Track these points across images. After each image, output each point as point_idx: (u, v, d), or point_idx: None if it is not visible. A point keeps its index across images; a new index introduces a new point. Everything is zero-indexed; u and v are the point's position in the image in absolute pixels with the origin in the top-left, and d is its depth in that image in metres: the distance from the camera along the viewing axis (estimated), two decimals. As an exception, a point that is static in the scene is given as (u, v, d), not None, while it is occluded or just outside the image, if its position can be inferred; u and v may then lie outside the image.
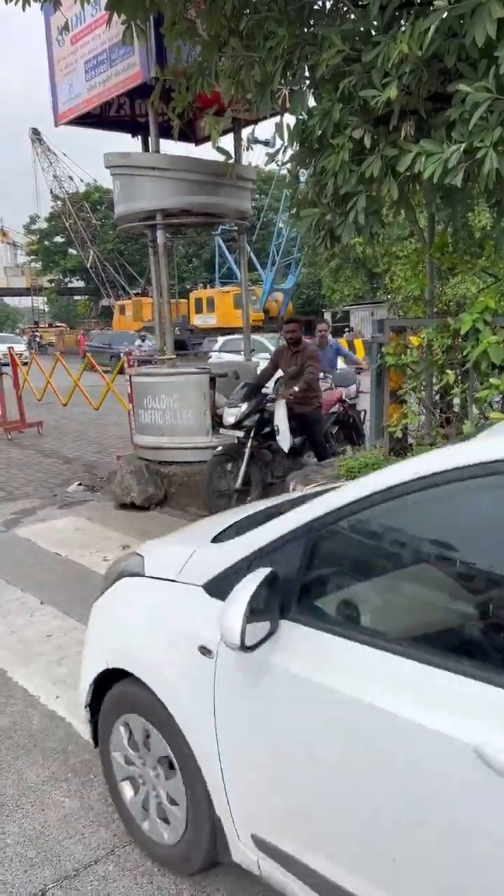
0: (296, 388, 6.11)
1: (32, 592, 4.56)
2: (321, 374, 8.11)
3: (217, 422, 6.51)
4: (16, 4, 4.47)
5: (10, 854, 2.35)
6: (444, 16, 3.02)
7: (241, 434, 6.07)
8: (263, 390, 6.39)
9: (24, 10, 4.55)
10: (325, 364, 8.39)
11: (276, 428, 6.10)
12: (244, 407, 6.06)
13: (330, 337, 8.94)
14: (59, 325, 51.96)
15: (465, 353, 4.16)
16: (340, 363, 8.88)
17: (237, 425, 6.06)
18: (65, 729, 3.04)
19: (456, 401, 4.73)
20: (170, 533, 2.88)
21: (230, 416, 6.10)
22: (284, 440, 6.06)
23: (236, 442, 6.14)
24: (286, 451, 6.17)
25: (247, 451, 6.06)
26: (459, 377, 4.41)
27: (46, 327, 48.67)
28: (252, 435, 6.08)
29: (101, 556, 5.22)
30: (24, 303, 62.69)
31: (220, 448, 6.27)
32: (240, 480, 6.03)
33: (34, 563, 5.14)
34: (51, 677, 3.46)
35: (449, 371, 4.36)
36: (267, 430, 6.22)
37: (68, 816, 2.52)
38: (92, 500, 7.02)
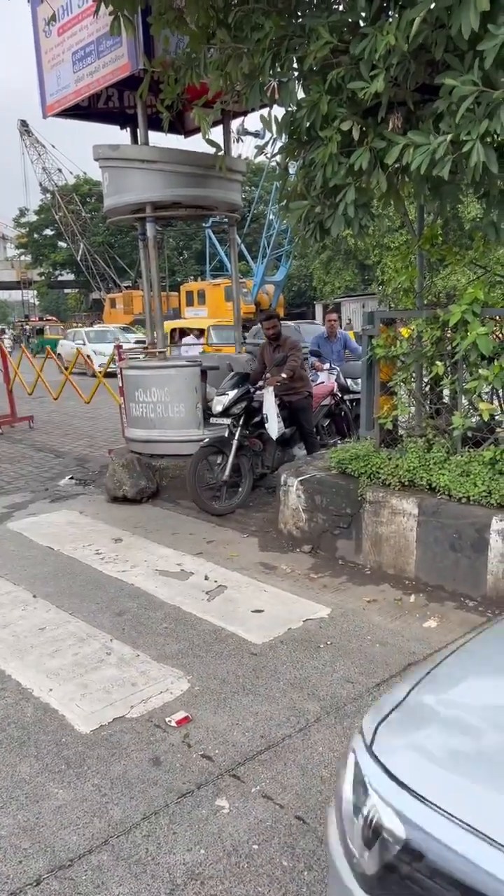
0: (283, 375, 6.09)
1: (25, 586, 4.57)
2: (327, 365, 8.13)
3: (208, 413, 6.50)
4: (2, -5, 4.44)
5: (4, 845, 2.36)
6: (432, 7, 3.03)
7: (229, 422, 6.03)
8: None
9: (8, 0, 4.52)
10: (333, 356, 8.39)
11: (264, 416, 6.07)
12: (232, 394, 6.03)
13: (340, 329, 8.87)
14: (50, 318, 51.70)
15: (454, 345, 4.18)
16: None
17: (225, 412, 6.02)
18: (58, 721, 3.06)
19: (446, 392, 4.76)
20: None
21: (218, 405, 6.07)
22: (273, 428, 6.03)
23: (226, 433, 6.11)
24: (275, 440, 6.16)
25: (235, 440, 6.01)
26: (449, 368, 4.44)
27: (37, 320, 48.43)
28: (241, 424, 6.04)
29: (93, 549, 5.23)
30: (15, 296, 62.33)
31: (206, 440, 6.22)
32: (227, 471, 5.99)
33: (27, 556, 5.15)
34: (44, 670, 3.48)
35: (438, 363, 4.39)
36: (256, 419, 6.20)
37: (62, 807, 2.53)
38: (84, 493, 7.02)
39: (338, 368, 8.01)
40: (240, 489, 6.12)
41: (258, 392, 6.24)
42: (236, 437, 6.02)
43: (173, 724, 2.98)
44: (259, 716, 3.03)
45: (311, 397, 6.66)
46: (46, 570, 4.87)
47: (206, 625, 3.92)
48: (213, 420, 6.22)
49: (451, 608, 4.01)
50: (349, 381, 7.74)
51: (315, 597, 4.24)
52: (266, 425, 6.08)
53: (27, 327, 41.87)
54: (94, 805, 2.54)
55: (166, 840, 2.35)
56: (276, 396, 6.12)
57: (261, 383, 6.29)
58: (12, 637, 3.86)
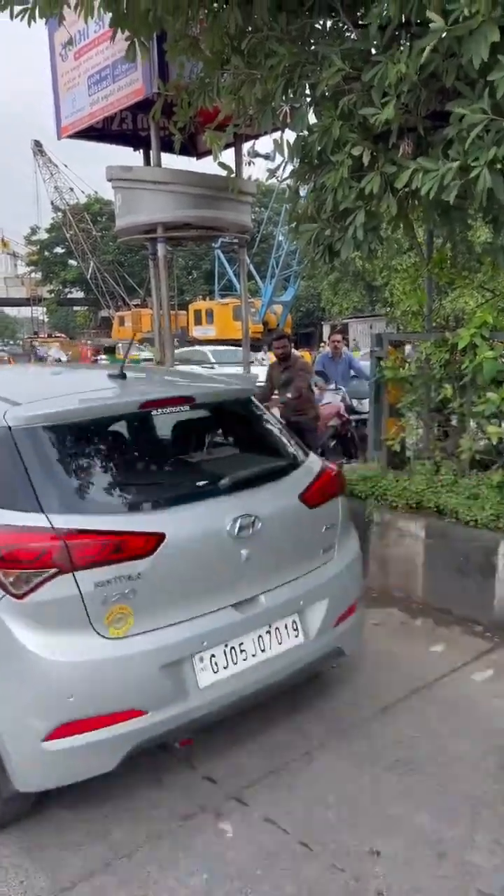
0: (288, 395, 6.08)
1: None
2: (332, 385, 8.16)
3: None
4: (21, 19, 4.52)
5: (6, 865, 2.34)
6: (443, 36, 3.07)
7: None
8: None
9: (29, 26, 4.61)
10: (338, 376, 8.38)
11: None
12: None
13: (345, 349, 8.89)
14: (59, 335, 52.05)
15: (462, 368, 4.19)
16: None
17: None
18: (61, 740, 3.04)
19: (454, 415, 4.76)
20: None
21: None
22: None
23: None
24: None
25: None
26: (457, 391, 4.45)
27: (45, 337, 48.75)
28: None
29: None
30: (24, 313, 62.81)
31: None
32: None
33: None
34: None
35: (447, 385, 4.40)
36: None
37: (65, 829, 2.51)
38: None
39: (343, 389, 8.03)
40: None
41: None
42: None
43: (177, 744, 2.95)
44: (263, 739, 3.00)
45: (318, 419, 6.66)
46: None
47: (211, 645, 3.89)
48: None
49: (458, 632, 3.98)
50: (354, 402, 7.76)
51: (321, 618, 4.22)
52: None
53: (36, 344, 42.17)
54: (95, 826, 2.52)
55: (169, 863, 2.33)
56: (283, 417, 6.13)
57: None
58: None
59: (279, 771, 2.78)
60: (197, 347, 20.08)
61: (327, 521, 3.16)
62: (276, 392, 6.44)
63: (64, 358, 34.62)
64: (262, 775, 2.76)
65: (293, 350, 6.94)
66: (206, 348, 19.16)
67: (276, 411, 6.04)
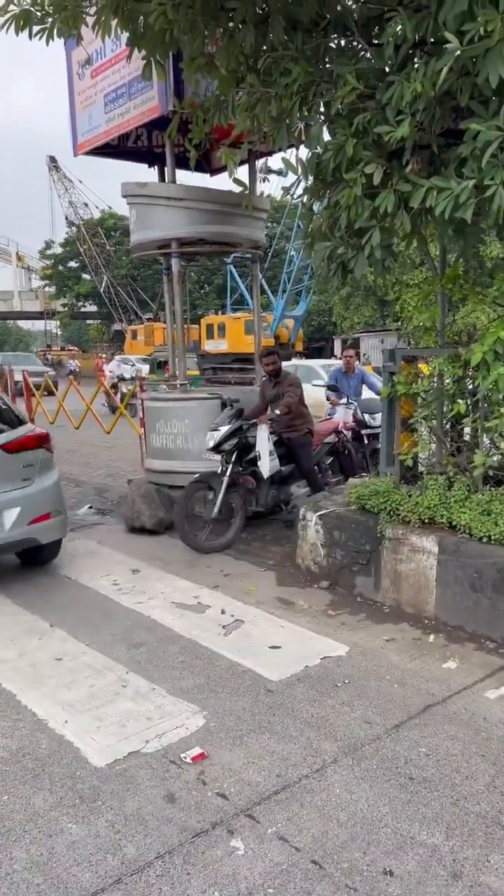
0: (277, 412, 5.98)
1: (42, 616, 4.57)
2: (344, 400, 8.14)
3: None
4: (39, 39, 4.60)
5: (17, 880, 2.34)
6: (458, 55, 3.10)
7: (220, 458, 5.89)
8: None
9: (47, 45, 4.69)
10: (350, 392, 8.37)
11: (257, 454, 5.95)
12: (224, 430, 5.88)
13: (357, 364, 8.84)
14: (72, 348, 52.41)
15: (476, 384, 4.19)
16: (365, 392, 8.74)
17: (217, 448, 5.88)
18: (73, 754, 3.04)
19: (467, 430, 4.75)
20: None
21: (210, 440, 5.92)
22: (265, 466, 5.91)
23: (220, 469, 5.94)
24: (266, 478, 6.02)
25: (226, 477, 5.83)
26: (470, 407, 4.44)
27: (59, 350, 49.06)
28: (233, 460, 5.89)
29: (110, 579, 5.24)
30: (38, 326, 63.32)
31: (198, 475, 6.10)
32: (216, 509, 5.80)
33: (44, 585, 5.16)
34: (60, 701, 3.46)
35: (460, 401, 4.39)
36: (251, 455, 6.05)
37: (76, 843, 2.50)
38: (102, 523, 7.04)
39: (355, 403, 8.02)
40: (230, 527, 5.97)
41: (251, 428, 6.10)
42: (227, 473, 5.86)
43: (189, 760, 2.95)
44: (275, 755, 2.99)
45: (312, 434, 6.53)
46: (64, 599, 4.87)
47: (222, 660, 3.89)
48: (205, 456, 6.08)
49: (470, 649, 3.95)
50: (366, 416, 7.73)
51: (333, 634, 4.21)
52: (258, 463, 5.97)
53: (49, 356, 42.49)
54: (107, 842, 2.51)
55: (180, 881, 2.31)
56: (274, 433, 6.08)
57: (254, 420, 6.17)
58: (29, 667, 3.85)
59: (291, 787, 2.77)
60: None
61: (25, 462, 5.13)
62: (269, 408, 6.43)
63: (74, 365, 36.02)
64: (274, 792, 2.74)
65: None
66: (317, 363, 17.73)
67: (263, 428, 5.92)
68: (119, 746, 3.06)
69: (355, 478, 6.38)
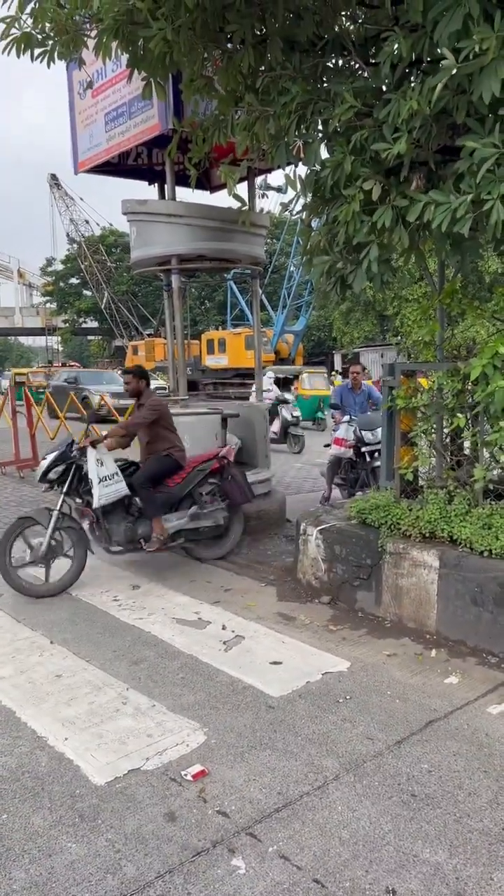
0: (102, 434, 5.51)
1: (42, 632, 4.55)
2: (346, 417, 8.06)
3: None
4: (41, 61, 4.66)
5: (15, 900, 2.31)
6: (454, 73, 3.14)
7: (47, 488, 5.46)
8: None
9: (48, 67, 4.75)
10: (356, 409, 8.21)
11: (90, 481, 5.33)
12: (50, 457, 5.35)
13: (364, 382, 8.63)
14: (73, 363, 52.58)
15: (475, 397, 4.20)
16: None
17: (44, 478, 5.38)
18: (73, 772, 3.01)
19: (467, 444, 4.76)
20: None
21: (38, 469, 5.43)
22: (95, 494, 5.28)
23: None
24: (96, 508, 5.33)
25: (55, 511, 5.29)
26: (470, 421, 4.45)
27: (60, 366, 49.24)
28: (64, 491, 5.35)
29: (110, 595, 5.22)
30: (39, 342, 63.62)
31: (26, 511, 5.46)
32: (44, 547, 5.22)
33: (44, 602, 5.14)
34: (59, 718, 3.44)
35: (459, 415, 4.40)
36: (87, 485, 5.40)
37: (75, 863, 2.48)
38: (102, 539, 7.02)
39: (356, 420, 7.96)
40: (61, 574, 5.31)
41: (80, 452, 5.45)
42: (57, 507, 5.34)
43: (189, 777, 2.93)
44: (276, 772, 2.97)
45: (171, 458, 5.78)
46: (64, 615, 4.85)
47: (223, 676, 3.87)
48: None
49: (472, 664, 3.93)
50: (365, 433, 7.62)
51: (334, 649, 4.19)
52: (92, 491, 5.31)
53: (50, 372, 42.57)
54: (107, 861, 2.48)
55: (180, 900, 2.29)
56: (127, 460, 5.62)
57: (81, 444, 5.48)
58: (29, 683, 3.83)
59: (293, 805, 2.74)
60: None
61: None
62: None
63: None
64: (275, 809, 2.72)
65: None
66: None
67: (91, 452, 5.29)
68: (119, 764, 3.04)
69: (244, 504, 6.07)
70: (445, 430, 4.80)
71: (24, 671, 3.99)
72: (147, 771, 2.99)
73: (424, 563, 4.33)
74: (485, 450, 4.40)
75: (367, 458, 7.63)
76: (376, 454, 7.38)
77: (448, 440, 4.87)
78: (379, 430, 7.15)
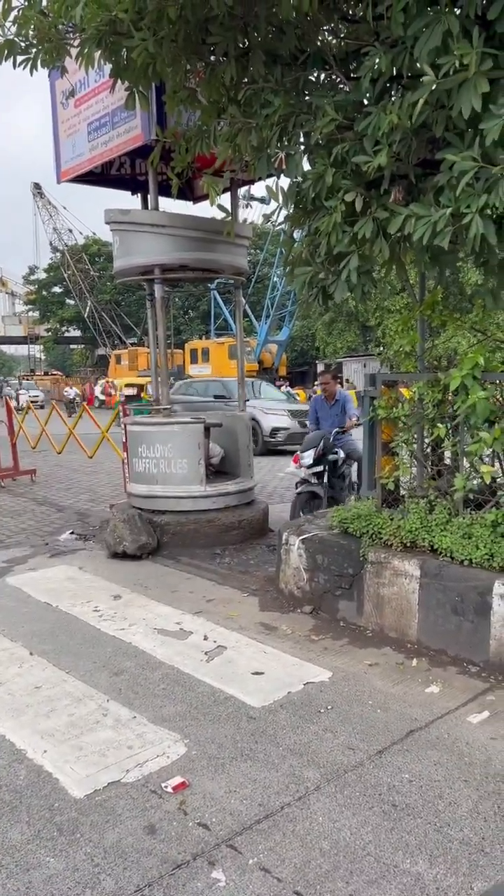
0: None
1: (22, 643, 4.51)
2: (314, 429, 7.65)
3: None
4: (24, 69, 4.67)
5: (-8, 917, 2.28)
6: (433, 88, 3.18)
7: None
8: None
9: (31, 75, 4.75)
10: (330, 422, 7.50)
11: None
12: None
13: (341, 389, 7.87)
14: (55, 372, 52.39)
15: (455, 408, 4.23)
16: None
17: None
18: (51, 785, 2.98)
19: (447, 454, 4.79)
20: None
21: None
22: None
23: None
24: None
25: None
26: (450, 431, 4.48)
27: (42, 374, 49.01)
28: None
29: (91, 606, 5.18)
30: (21, 351, 63.30)
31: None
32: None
33: (24, 612, 5.09)
34: (38, 731, 3.40)
35: (440, 425, 4.43)
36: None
37: (53, 877, 2.45)
38: (84, 549, 6.98)
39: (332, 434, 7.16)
40: None
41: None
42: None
43: (169, 789, 2.91)
44: (257, 783, 2.95)
45: None
46: (44, 626, 4.81)
47: (204, 686, 3.85)
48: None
49: (453, 673, 3.94)
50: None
51: (316, 659, 4.18)
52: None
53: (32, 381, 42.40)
54: (85, 875, 2.45)
55: (160, 914, 2.26)
56: None
57: None
58: (7, 695, 3.79)
59: (273, 816, 2.73)
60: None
61: None
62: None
63: (73, 393, 35.44)
64: (255, 821, 2.70)
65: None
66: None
67: None
68: (99, 776, 3.01)
69: None
70: (426, 440, 4.83)
71: (3, 683, 3.94)
72: (127, 783, 2.96)
73: (406, 573, 4.34)
74: (465, 460, 4.42)
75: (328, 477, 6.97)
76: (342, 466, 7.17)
77: (429, 450, 4.90)
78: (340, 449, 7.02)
